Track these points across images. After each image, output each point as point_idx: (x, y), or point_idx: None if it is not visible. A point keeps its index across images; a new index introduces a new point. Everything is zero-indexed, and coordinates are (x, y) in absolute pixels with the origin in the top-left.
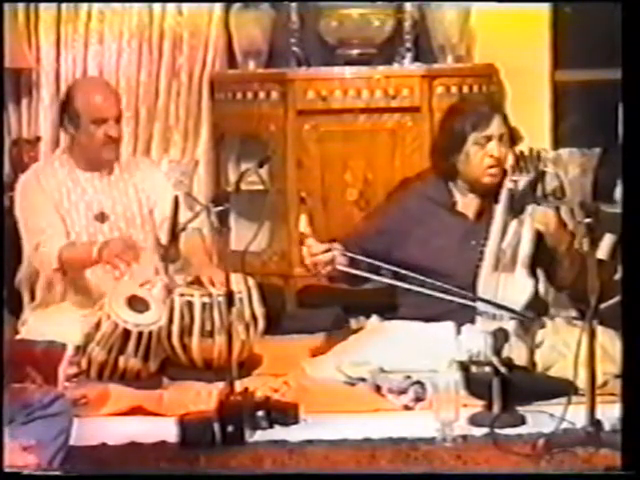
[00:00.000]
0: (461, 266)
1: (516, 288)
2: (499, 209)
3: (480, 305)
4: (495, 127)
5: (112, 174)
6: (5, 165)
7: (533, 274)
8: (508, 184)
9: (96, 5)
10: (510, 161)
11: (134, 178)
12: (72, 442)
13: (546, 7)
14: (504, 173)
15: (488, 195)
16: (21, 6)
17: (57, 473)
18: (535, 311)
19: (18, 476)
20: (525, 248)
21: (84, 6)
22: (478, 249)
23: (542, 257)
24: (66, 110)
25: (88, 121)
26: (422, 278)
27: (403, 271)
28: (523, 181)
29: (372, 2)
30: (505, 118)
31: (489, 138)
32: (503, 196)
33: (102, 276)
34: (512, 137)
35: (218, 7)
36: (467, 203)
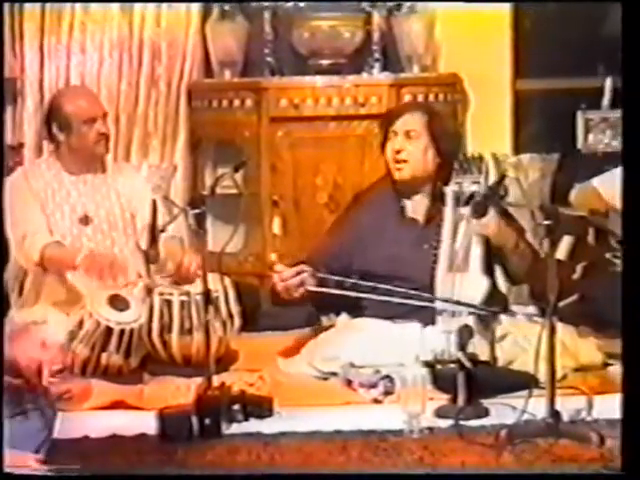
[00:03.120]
0: (418, 269)
1: (472, 286)
2: (447, 211)
3: (439, 304)
4: (401, 123)
5: (97, 177)
6: None
7: (487, 271)
8: (452, 186)
9: (78, 17)
10: (455, 165)
11: (116, 183)
12: (57, 435)
13: (507, 19)
14: (449, 175)
15: (434, 198)
16: (7, 17)
17: (57, 473)
18: (494, 307)
19: (18, 476)
20: (476, 248)
21: (66, 18)
22: (431, 252)
23: (494, 254)
24: (54, 118)
25: (80, 123)
26: (384, 287)
27: (365, 282)
28: (467, 183)
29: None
30: (432, 121)
31: (395, 133)
32: (449, 198)
33: (84, 276)
34: (440, 142)
35: (195, 19)
36: (416, 207)
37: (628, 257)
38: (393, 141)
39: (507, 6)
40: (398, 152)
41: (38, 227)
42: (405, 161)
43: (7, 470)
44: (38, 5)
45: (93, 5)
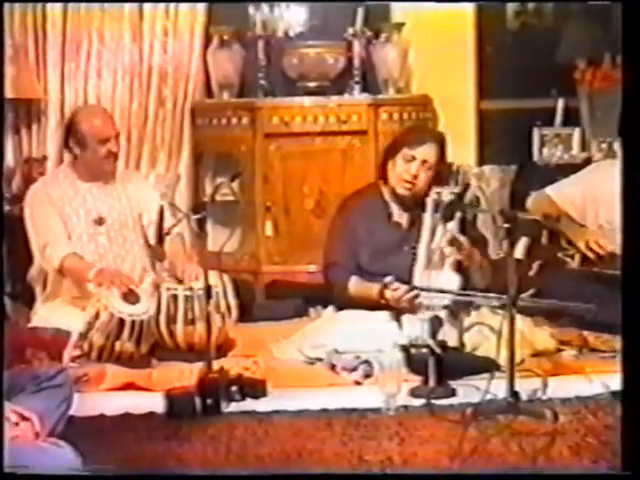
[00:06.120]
0: (399, 267)
1: (445, 282)
2: (427, 217)
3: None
4: (420, 152)
5: (109, 184)
6: (17, 179)
7: (459, 270)
8: (433, 195)
9: (95, 45)
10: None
11: (127, 189)
12: (75, 413)
13: (472, 48)
14: (429, 187)
15: (417, 206)
16: (31, 45)
17: (59, 473)
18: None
19: (18, 476)
20: (450, 250)
21: (85, 46)
22: (411, 251)
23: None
24: (71, 134)
25: (94, 142)
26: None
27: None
28: (446, 193)
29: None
30: (441, 152)
31: (414, 157)
32: (429, 206)
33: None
34: (439, 169)
35: (197, 47)
36: (401, 213)
37: (627, 257)
38: (410, 164)
39: (472, 35)
40: (415, 176)
41: (58, 236)
42: (415, 183)
43: (7, 470)
44: (60, 34)
45: (108, 35)
